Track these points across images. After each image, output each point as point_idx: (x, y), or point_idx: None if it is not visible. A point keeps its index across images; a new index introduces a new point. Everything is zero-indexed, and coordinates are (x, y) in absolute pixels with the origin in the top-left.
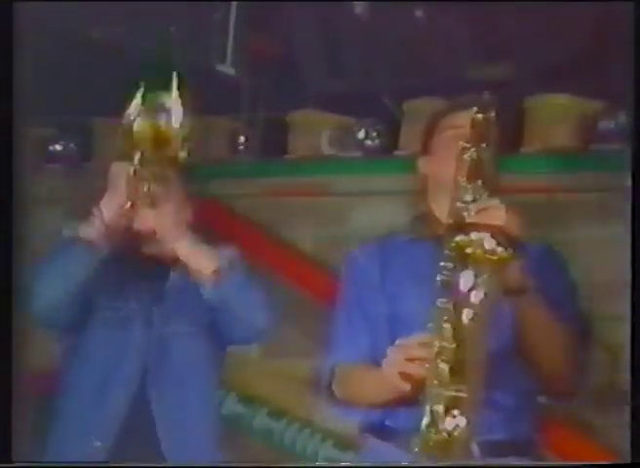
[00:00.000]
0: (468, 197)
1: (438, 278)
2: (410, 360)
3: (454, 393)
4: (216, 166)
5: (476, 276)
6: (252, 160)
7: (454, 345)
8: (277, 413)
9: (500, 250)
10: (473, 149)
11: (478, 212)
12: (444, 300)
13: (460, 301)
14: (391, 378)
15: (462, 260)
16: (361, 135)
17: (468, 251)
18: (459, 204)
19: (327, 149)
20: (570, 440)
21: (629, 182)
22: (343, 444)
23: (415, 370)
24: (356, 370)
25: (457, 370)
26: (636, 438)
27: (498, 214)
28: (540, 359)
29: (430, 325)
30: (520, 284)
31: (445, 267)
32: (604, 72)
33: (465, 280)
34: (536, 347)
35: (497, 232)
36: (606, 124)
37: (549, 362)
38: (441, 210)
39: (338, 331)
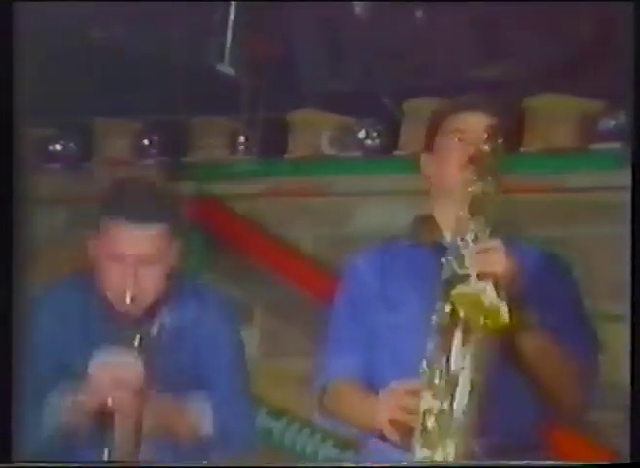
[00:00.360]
0: (469, 236)
1: (434, 318)
2: (401, 407)
3: (441, 458)
4: (216, 166)
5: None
6: (252, 160)
7: (445, 403)
8: (277, 413)
9: (499, 304)
10: (478, 184)
11: (478, 252)
12: (439, 343)
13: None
14: (382, 426)
15: (456, 319)
16: (361, 135)
17: (461, 314)
18: (459, 241)
19: (327, 149)
20: (570, 440)
21: (629, 182)
22: (343, 444)
23: (406, 418)
24: (348, 393)
25: (447, 431)
26: (636, 438)
27: (497, 257)
28: (545, 385)
29: (422, 370)
30: (523, 322)
31: (441, 309)
32: (604, 72)
33: (456, 360)
34: (541, 377)
35: (496, 281)
36: (606, 124)
37: (556, 386)
38: (442, 214)
39: (330, 346)
